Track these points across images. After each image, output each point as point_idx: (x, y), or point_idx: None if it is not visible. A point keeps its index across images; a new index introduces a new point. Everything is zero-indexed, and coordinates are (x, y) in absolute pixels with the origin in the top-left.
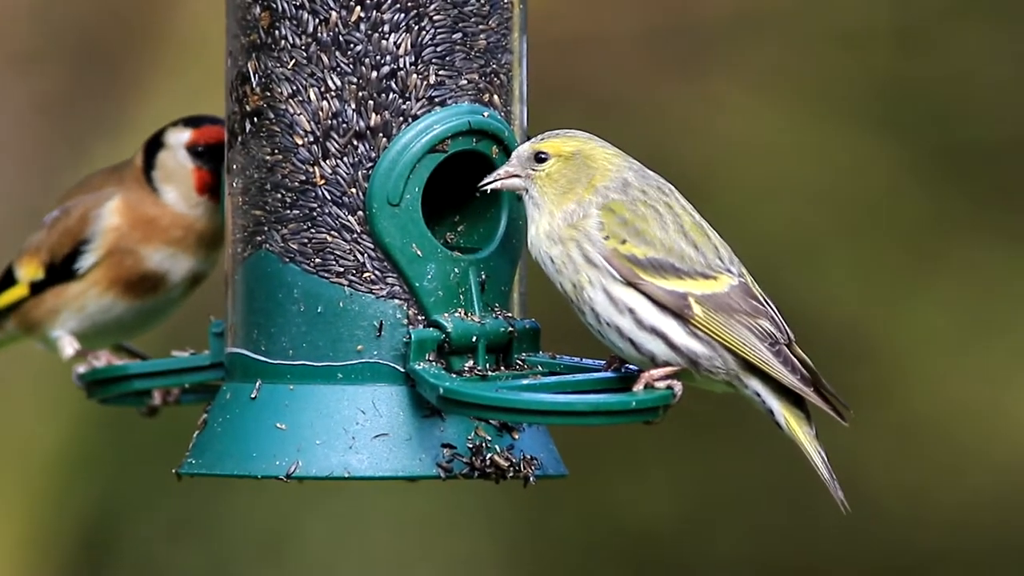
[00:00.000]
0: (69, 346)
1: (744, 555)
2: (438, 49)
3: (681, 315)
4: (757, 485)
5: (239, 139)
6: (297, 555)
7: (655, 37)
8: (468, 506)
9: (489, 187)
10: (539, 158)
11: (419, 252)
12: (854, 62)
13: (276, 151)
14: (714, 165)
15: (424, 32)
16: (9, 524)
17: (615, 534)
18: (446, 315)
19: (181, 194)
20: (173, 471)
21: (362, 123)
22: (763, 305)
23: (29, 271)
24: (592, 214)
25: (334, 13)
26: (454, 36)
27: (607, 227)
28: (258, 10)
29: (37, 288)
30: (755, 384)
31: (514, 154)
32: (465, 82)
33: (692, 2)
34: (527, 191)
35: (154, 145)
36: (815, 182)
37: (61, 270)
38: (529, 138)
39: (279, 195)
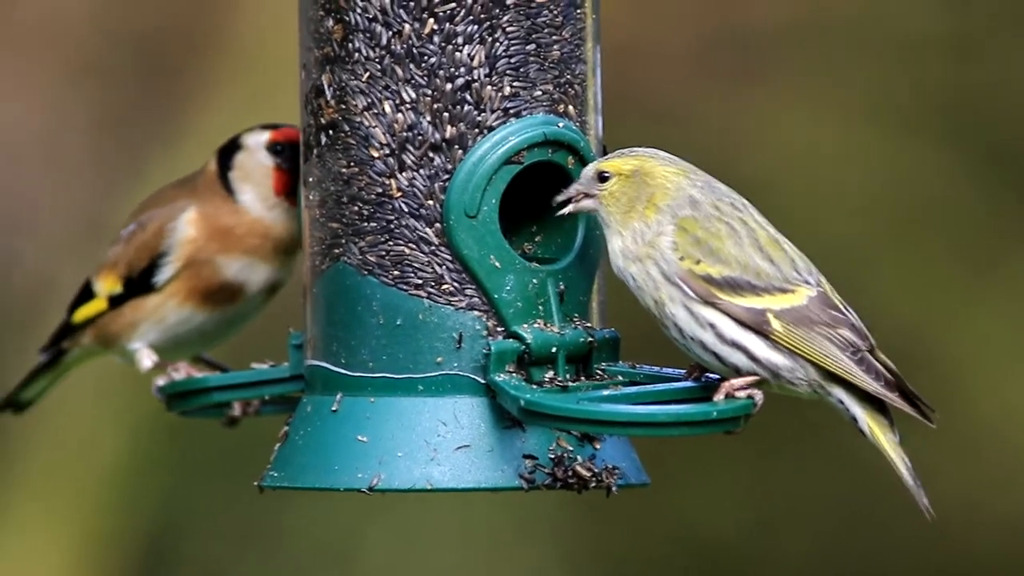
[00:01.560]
0: (147, 358)
1: (811, 565)
2: (512, 60)
3: (761, 331)
4: (822, 494)
5: (315, 152)
6: (361, 566)
7: (712, 46)
8: (533, 517)
9: (565, 211)
10: (602, 177)
11: (497, 264)
12: (910, 70)
13: (352, 163)
14: (772, 173)
15: (498, 43)
16: (73, 535)
17: (680, 545)
18: (525, 326)
19: (259, 194)
20: (255, 484)
21: (437, 135)
22: (842, 313)
23: (107, 285)
24: (666, 232)
25: (407, 25)
26: (528, 47)
27: (681, 247)
28: (331, 23)
29: (116, 302)
30: (838, 392)
31: (582, 173)
32: (540, 93)
33: (749, 11)
34: (596, 210)
35: (230, 149)
36: (872, 190)
37: (139, 283)
38: (605, 148)
39: (356, 207)
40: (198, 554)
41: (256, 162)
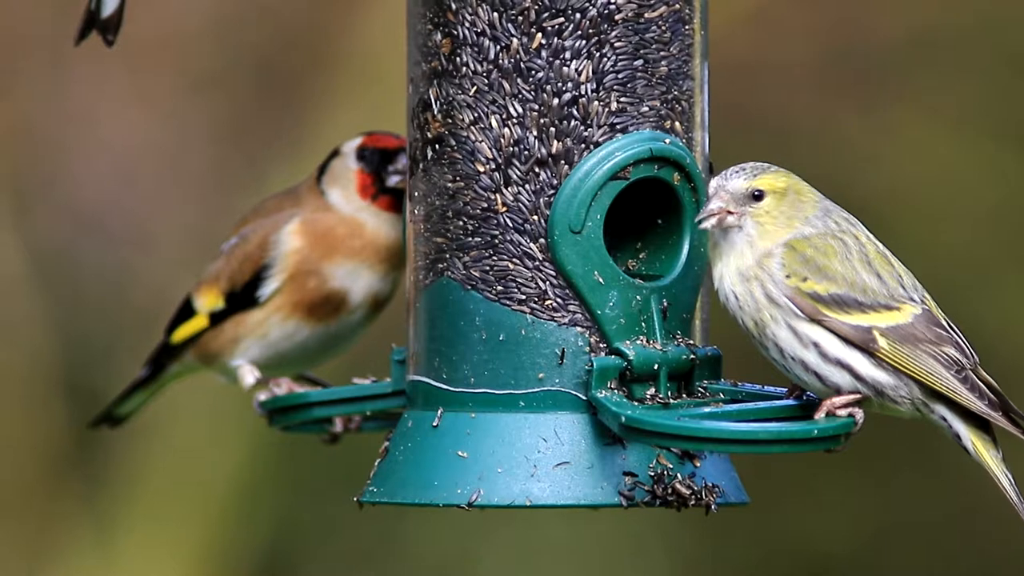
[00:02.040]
0: (250, 375)
1: None
2: (619, 76)
3: (866, 348)
4: (934, 511)
5: (421, 166)
6: None
7: (827, 63)
8: (645, 534)
9: (706, 226)
10: (755, 196)
11: (601, 280)
12: None
13: (458, 178)
14: (888, 189)
15: (605, 59)
16: (187, 551)
17: (792, 561)
18: (628, 343)
19: (344, 196)
20: (355, 499)
21: (544, 150)
22: (947, 331)
23: (208, 301)
24: (775, 253)
25: (515, 40)
26: (635, 63)
27: (788, 266)
28: (439, 37)
29: (217, 318)
30: (941, 410)
31: (723, 191)
32: (646, 109)
33: (864, 27)
34: (740, 228)
35: (331, 156)
36: (990, 205)
37: (242, 298)
38: (711, 165)
39: (461, 222)
40: (314, 570)
41: (344, 166)
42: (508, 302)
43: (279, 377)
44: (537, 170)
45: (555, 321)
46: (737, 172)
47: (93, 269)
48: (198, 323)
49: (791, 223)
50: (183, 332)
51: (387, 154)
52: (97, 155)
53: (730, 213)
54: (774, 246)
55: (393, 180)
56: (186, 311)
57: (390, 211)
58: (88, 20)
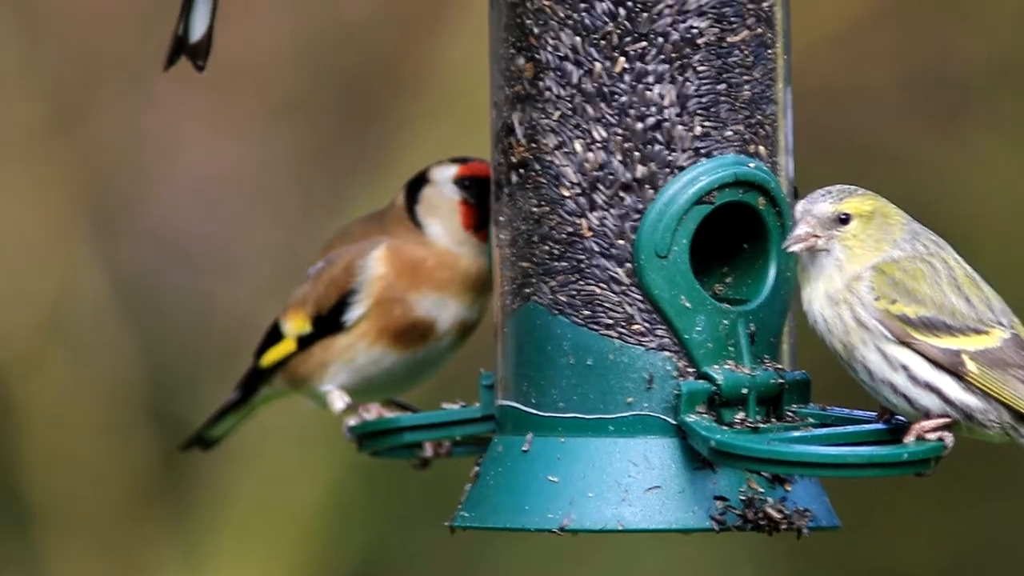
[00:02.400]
0: (339, 400)
1: None
2: (703, 100)
3: (955, 372)
4: (1014, 533)
5: (505, 190)
6: None
7: (910, 86)
8: (733, 557)
9: (793, 250)
10: (842, 219)
11: (688, 304)
12: None
13: (543, 203)
14: (972, 213)
15: (688, 83)
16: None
17: None
18: (716, 367)
19: (446, 228)
20: (446, 524)
21: (628, 175)
22: None
23: (296, 325)
24: (864, 276)
25: (598, 64)
26: (719, 87)
27: (877, 288)
28: (522, 61)
29: (305, 342)
30: None
31: (810, 215)
32: (730, 133)
33: (947, 50)
34: (828, 252)
35: (417, 183)
36: None
37: (329, 323)
38: (796, 189)
39: (547, 247)
40: None
41: (442, 196)
42: (595, 327)
43: (368, 402)
44: (622, 195)
45: (643, 345)
46: (823, 196)
47: (177, 295)
48: (286, 347)
49: (879, 246)
50: (272, 356)
51: (487, 184)
52: (180, 180)
53: (817, 237)
54: (863, 269)
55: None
56: (274, 335)
57: (486, 241)
58: (177, 45)
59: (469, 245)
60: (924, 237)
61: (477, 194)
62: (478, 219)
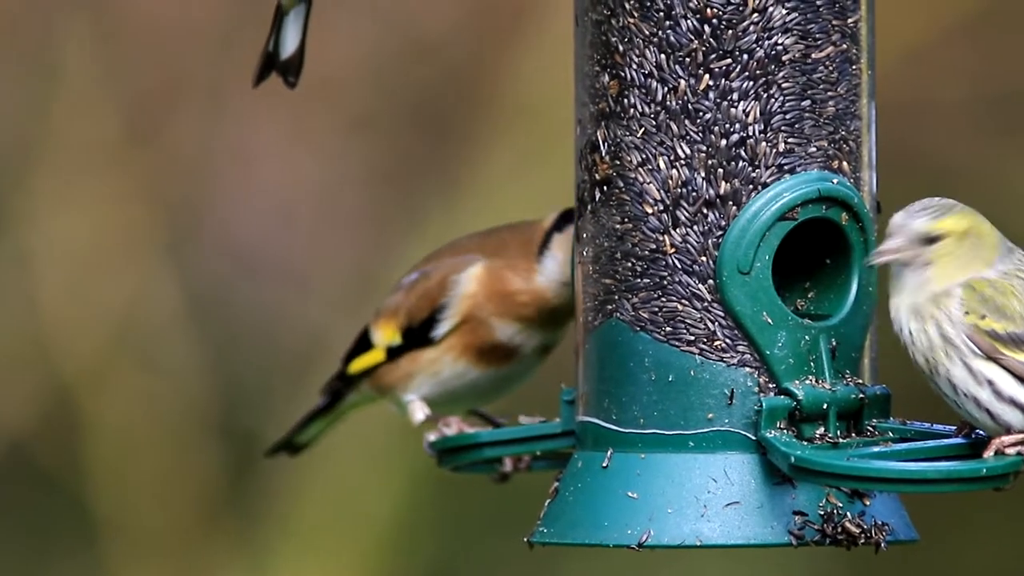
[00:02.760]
0: (420, 411)
1: None
2: (787, 116)
3: None
4: None
5: (589, 207)
6: None
7: (991, 102)
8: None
9: (876, 263)
10: (933, 239)
11: (769, 320)
12: None
13: (626, 219)
14: None
15: (773, 100)
16: None
17: None
18: (797, 382)
19: (562, 264)
20: (525, 539)
21: (712, 191)
22: None
23: (386, 335)
24: (954, 293)
25: (683, 81)
26: (803, 103)
27: (967, 303)
28: (607, 78)
29: (393, 353)
30: None
31: (904, 230)
32: (814, 149)
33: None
34: (916, 268)
35: (562, 223)
36: None
37: (418, 335)
38: (879, 205)
39: (629, 264)
40: None
41: (564, 231)
42: (677, 343)
43: (449, 416)
44: (705, 211)
45: (724, 362)
46: (921, 211)
47: (248, 309)
48: (375, 356)
49: (970, 265)
50: (360, 364)
51: None
52: (254, 195)
53: (904, 253)
54: (952, 285)
55: None
56: (364, 343)
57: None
58: (267, 62)
59: (566, 287)
60: (1019, 253)
61: None
62: None
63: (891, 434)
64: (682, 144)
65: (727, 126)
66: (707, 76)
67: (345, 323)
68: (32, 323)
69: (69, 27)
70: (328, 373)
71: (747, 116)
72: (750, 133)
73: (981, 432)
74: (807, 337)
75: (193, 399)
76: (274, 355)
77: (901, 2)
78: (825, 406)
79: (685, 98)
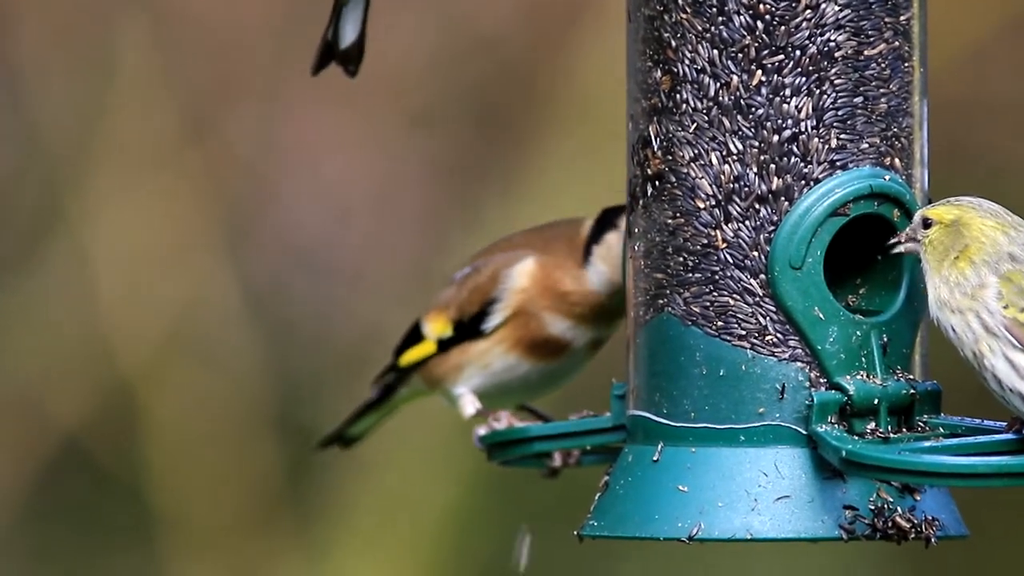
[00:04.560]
0: (471, 404)
1: None
2: (839, 113)
3: None
4: None
5: (640, 202)
6: None
7: None
8: (857, 567)
9: (894, 250)
10: (926, 224)
11: (821, 315)
12: None
13: (678, 214)
14: None
15: (825, 96)
16: None
17: None
18: (848, 377)
19: (609, 277)
20: (575, 533)
21: (764, 187)
22: None
23: (437, 327)
24: (989, 284)
25: (735, 77)
26: (855, 100)
27: (1006, 296)
28: (659, 74)
29: (444, 345)
30: None
31: (915, 216)
32: (866, 145)
33: None
34: (919, 255)
35: (607, 223)
36: None
37: (469, 328)
38: (931, 201)
39: (681, 258)
40: None
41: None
42: (728, 337)
43: (499, 410)
44: (757, 206)
45: (775, 356)
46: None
47: (305, 305)
48: (426, 348)
49: (947, 255)
50: (411, 356)
51: None
52: (312, 191)
53: (913, 240)
54: (985, 276)
55: None
56: (415, 335)
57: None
58: (326, 50)
59: (618, 294)
60: None
61: None
62: None
63: (942, 430)
64: (734, 140)
65: (779, 122)
66: (759, 72)
67: (403, 319)
68: (90, 320)
69: (126, 26)
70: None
71: (799, 112)
72: (802, 129)
73: None
74: (858, 333)
75: (250, 395)
76: (331, 351)
77: (956, 0)
78: (876, 401)
79: (737, 94)
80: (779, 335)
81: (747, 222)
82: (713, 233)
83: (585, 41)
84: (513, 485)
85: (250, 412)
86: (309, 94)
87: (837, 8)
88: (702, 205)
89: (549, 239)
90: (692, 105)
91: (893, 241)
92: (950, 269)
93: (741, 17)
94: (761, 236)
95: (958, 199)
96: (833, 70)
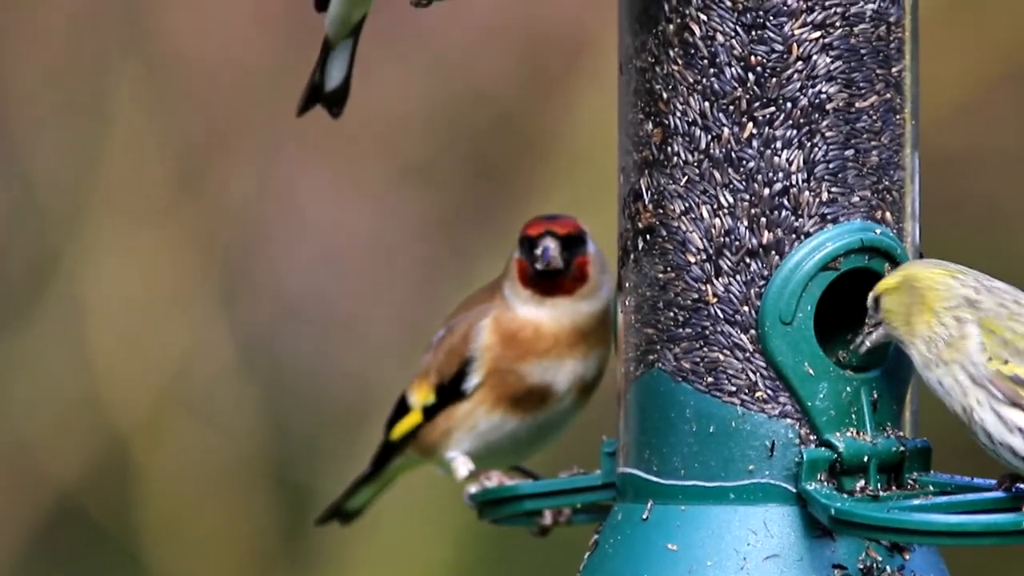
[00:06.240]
0: (463, 467)
1: None
2: (830, 166)
3: None
4: None
5: (631, 256)
6: None
7: None
8: None
9: (861, 349)
10: (877, 302)
11: (811, 371)
12: None
13: (669, 269)
14: None
15: (816, 148)
16: None
17: None
18: (838, 434)
19: (511, 288)
20: None
21: (755, 241)
22: None
23: (421, 395)
24: (971, 334)
25: (726, 129)
26: (846, 152)
27: (989, 348)
28: (650, 126)
29: (430, 412)
30: None
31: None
32: (857, 199)
33: None
34: (890, 335)
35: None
36: None
37: (450, 391)
38: (922, 255)
39: (671, 313)
40: None
41: (511, 257)
42: (719, 394)
43: (491, 470)
44: (748, 261)
45: (765, 413)
46: None
47: (298, 359)
48: (414, 419)
49: (911, 314)
50: (401, 428)
51: (533, 240)
52: (305, 243)
53: (876, 327)
54: (963, 326)
55: (538, 266)
56: (402, 407)
57: (558, 296)
58: (312, 92)
59: (539, 307)
60: (1004, 297)
61: (526, 249)
62: (530, 274)
63: (932, 487)
64: (725, 193)
65: (770, 175)
66: (751, 124)
67: (397, 374)
68: (85, 373)
69: (119, 75)
70: (380, 425)
71: (790, 165)
72: (793, 182)
73: (1022, 485)
74: (848, 389)
75: (246, 451)
76: (327, 406)
77: (948, 52)
78: (866, 459)
79: (728, 146)
80: (769, 391)
81: (738, 276)
82: (704, 288)
83: (580, 93)
84: (504, 543)
85: (245, 468)
86: (304, 144)
87: (828, 60)
88: (693, 259)
89: (491, 290)
90: (683, 158)
91: (858, 342)
92: (917, 325)
93: (732, 69)
94: (751, 291)
95: (902, 266)
96: (824, 122)
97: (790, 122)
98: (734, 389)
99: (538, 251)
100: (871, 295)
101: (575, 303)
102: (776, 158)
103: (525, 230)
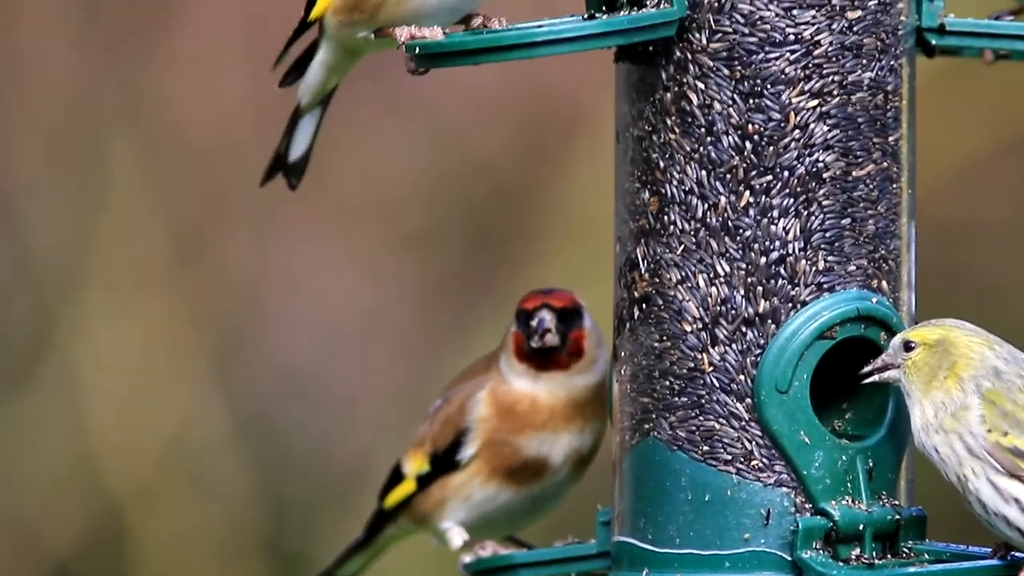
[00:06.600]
0: (458, 537)
1: None
2: (827, 235)
3: None
4: None
5: (627, 325)
6: None
7: None
8: None
9: (867, 379)
10: (908, 347)
11: (807, 440)
12: None
13: (665, 338)
14: None
15: (813, 217)
16: None
17: None
18: (833, 503)
19: (507, 361)
20: None
21: (751, 309)
22: None
23: (415, 465)
24: (972, 405)
25: (723, 198)
26: (843, 221)
27: (989, 420)
28: (647, 195)
29: (424, 481)
30: None
31: (891, 343)
32: (854, 268)
33: None
34: (900, 381)
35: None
36: None
37: (445, 461)
38: (916, 324)
39: (667, 382)
40: None
41: (508, 331)
42: (714, 462)
43: (485, 540)
44: (744, 329)
45: (761, 481)
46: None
47: (295, 430)
48: (407, 488)
49: (935, 375)
50: (394, 497)
51: (529, 314)
52: (302, 315)
53: (891, 367)
54: (966, 397)
55: (533, 343)
56: (396, 476)
57: (554, 371)
58: (275, 162)
59: (536, 381)
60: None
61: (522, 322)
62: (526, 349)
63: (927, 556)
64: (722, 262)
65: (767, 244)
66: (748, 193)
67: (394, 444)
68: (81, 443)
69: (117, 147)
70: (375, 494)
71: (787, 234)
72: (790, 251)
73: (1018, 554)
74: (844, 457)
75: (240, 521)
76: (323, 476)
77: (945, 121)
78: (861, 527)
79: (725, 215)
80: (765, 460)
81: (734, 345)
82: (700, 357)
83: (576, 163)
84: None
85: (240, 538)
86: (302, 216)
87: (826, 128)
88: (689, 328)
89: (488, 362)
90: (680, 227)
91: (868, 369)
92: (938, 390)
93: (729, 137)
94: (748, 359)
95: (939, 320)
96: (821, 191)
97: (787, 190)
98: (729, 458)
99: (534, 323)
100: (903, 336)
101: (571, 377)
102: (773, 227)
103: (522, 304)
